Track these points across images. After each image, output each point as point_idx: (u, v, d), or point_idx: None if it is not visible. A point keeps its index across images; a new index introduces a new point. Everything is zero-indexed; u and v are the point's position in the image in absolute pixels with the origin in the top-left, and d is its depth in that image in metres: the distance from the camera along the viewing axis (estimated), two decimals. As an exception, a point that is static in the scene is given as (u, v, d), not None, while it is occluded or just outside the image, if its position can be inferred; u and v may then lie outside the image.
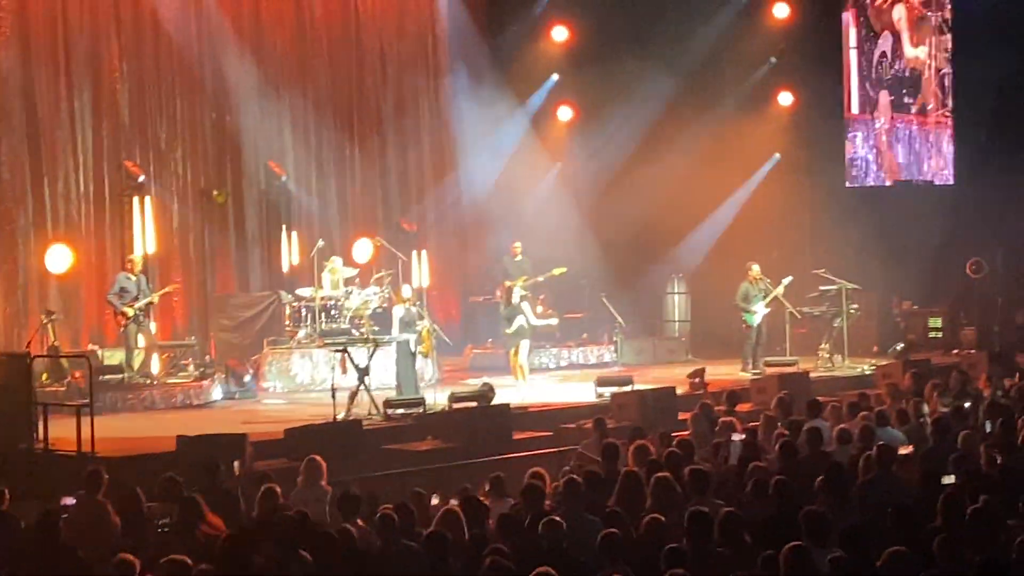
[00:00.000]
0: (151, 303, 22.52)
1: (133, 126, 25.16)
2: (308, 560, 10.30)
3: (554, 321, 24.75)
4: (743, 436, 15.17)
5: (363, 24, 28.59)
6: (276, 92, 26.95)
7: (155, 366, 22.65)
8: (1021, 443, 14.00)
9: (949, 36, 31.12)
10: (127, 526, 12.11)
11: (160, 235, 24.62)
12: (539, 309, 26.30)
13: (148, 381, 22.05)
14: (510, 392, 21.54)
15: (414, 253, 26.10)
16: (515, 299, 22.76)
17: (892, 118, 31.61)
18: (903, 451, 13.91)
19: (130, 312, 21.77)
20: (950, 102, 31.18)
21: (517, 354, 22.67)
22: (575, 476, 12.20)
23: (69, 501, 12.09)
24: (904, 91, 31.61)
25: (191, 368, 23.45)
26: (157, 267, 24.54)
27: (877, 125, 31.72)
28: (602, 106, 30.02)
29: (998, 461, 13.23)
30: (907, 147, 31.58)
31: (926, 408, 17.46)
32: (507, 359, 23.90)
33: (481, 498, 12.69)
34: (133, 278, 22.06)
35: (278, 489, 12.42)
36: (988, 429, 15.34)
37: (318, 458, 13.66)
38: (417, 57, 29.59)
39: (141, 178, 23.98)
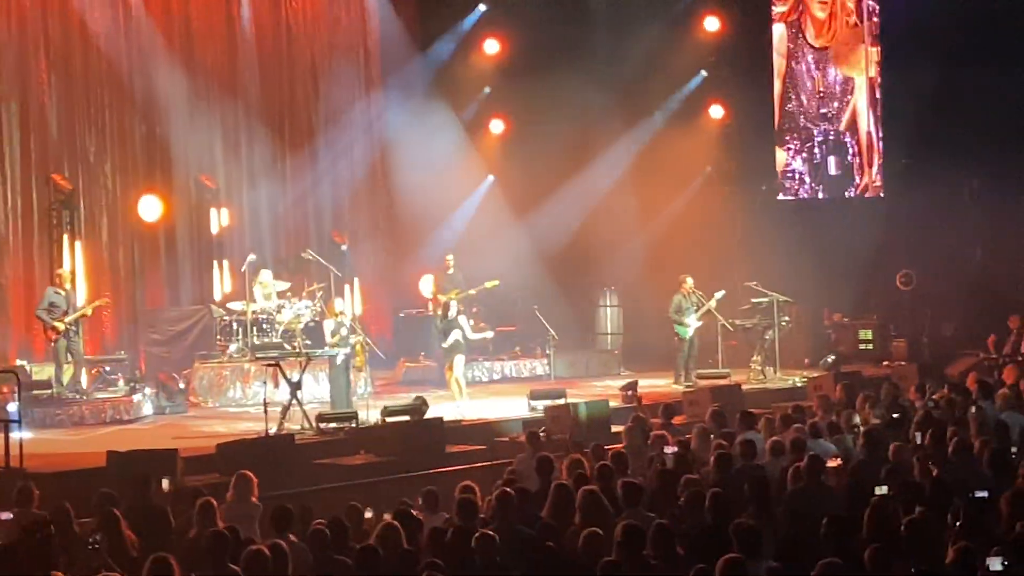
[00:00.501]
0: (84, 315, 22.32)
1: (62, 139, 24.94)
2: (238, 574, 10.21)
3: (489, 335, 24.70)
4: (675, 449, 15.17)
5: (294, 38, 28.49)
6: (207, 105, 26.79)
7: (84, 381, 22.45)
8: (952, 454, 14.08)
9: (877, 49, 31.33)
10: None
11: (89, 249, 24.43)
12: (471, 323, 26.28)
13: (78, 396, 21.84)
14: (450, 409, 21.42)
15: (346, 287, 26.05)
16: (452, 313, 22.69)
17: (824, 130, 31.75)
18: (832, 463, 13.95)
19: (60, 327, 21.55)
20: (879, 114, 31.37)
21: (452, 369, 22.58)
22: (508, 489, 12.16)
23: (6, 516, 11.93)
24: (835, 103, 31.77)
25: (121, 383, 23.22)
26: (87, 281, 24.31)
27: (809, 137, 31.82)
28: (534, 119, 30.06)
29: (932, 472, 13.31)
30: (839, 160, 31.73)
31: (857, 419, 17.55)
32: (441, 373, 23.86)
33: (415, 512, 12.64)
34: (62, 292, 21.85)
35: (215, 503, 12.31)
36: (919, 441, 15.43)
37: (249, 473, 13.54)
38: (349, 70, 29.50)
39: (70, 191, 23.79)
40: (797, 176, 32.00)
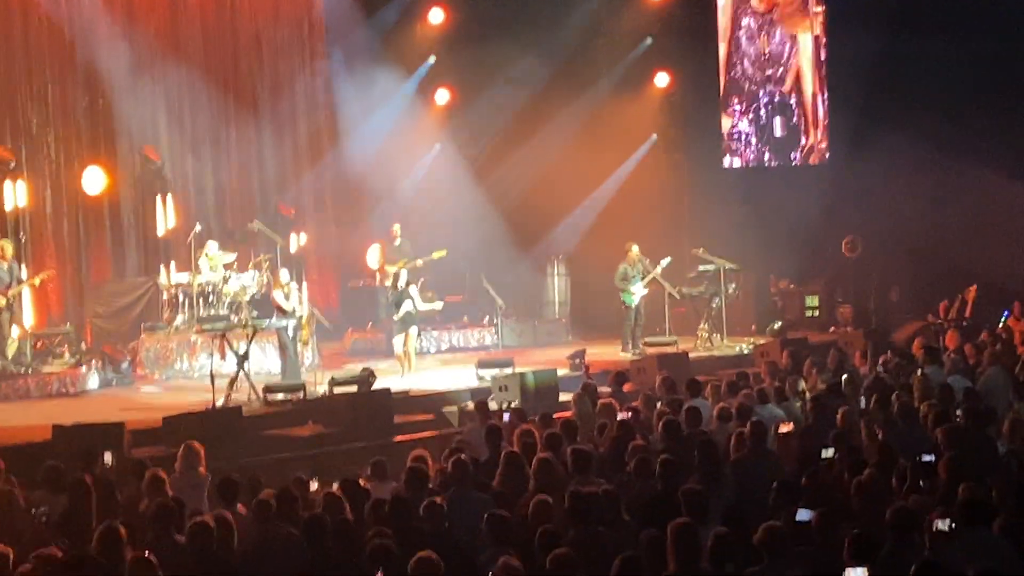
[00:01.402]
0: (33, 285, 22.20)
1: (4, 110, 24.71)
2: (183, 545, 10.19)
3: (438, 306, 24.62)
4: (628, 415, 15.23)
5: (238, 8, 28.31)
6: (150, 76, 26.59)
7: (29, 354, 22.30)
8: (896, 418, 14.19)
9: (822, 10, 31.37)
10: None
11: (33, 221, 24.27)
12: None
13: (22, 370, 21.70)
14: (394, 380, 21.40)
15: (292, 236, 25.98)
16: (401, 283, 22.64)
17: (769, 92, 31.81)
18: (784, 428, 14.05)
19: (2, 300, 21.39)
20: (824, 75, 31.46)
21: (406, 342, 22.51)
22: (462, 456, 12.16)
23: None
24: (780, 67, 31.82)
25: (66, 356, 23.08)
26: (30, 253, 24.15)
27: (755, 99, 31.87)
28: (479, 88, 29.97)
29: (878, 436, 13.42)
30: (784, 120, 31.80)
31: (803, 385, 17.67)
32: (389, 344, 23.83)
33: (363, 482, 12.64)
34: (5, 265, 21.68)
35: (163, 475, 12.28)
36: (863, 405, 15.56)
37: (196, 444, 13.51)
38: (293, 40, 29.35)
39: (12, 163, 23.62)
40: (743, 138, 32.01)
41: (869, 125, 29.11)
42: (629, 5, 30.83)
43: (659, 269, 25.44)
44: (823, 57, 31.42)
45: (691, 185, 31.15)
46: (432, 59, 30.41)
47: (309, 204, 29.38)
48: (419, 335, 23.66)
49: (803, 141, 31.79)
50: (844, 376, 17.84)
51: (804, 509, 9.62)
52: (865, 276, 29.83)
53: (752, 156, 32.06)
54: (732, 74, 31.84)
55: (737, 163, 32.07)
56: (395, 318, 22.73)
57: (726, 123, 31.83)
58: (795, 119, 31.72)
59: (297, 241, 26.22)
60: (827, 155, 31.52)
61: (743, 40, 31.79)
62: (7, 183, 23.55)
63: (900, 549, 9.17)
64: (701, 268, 26.57)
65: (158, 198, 25.89)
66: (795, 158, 31.81)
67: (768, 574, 9.13)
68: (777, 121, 31.86)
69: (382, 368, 21.91)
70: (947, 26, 28.32)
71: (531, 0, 29.74)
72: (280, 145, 29.15)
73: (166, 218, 25.77)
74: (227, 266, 24.36)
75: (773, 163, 31.88)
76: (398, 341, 22.75)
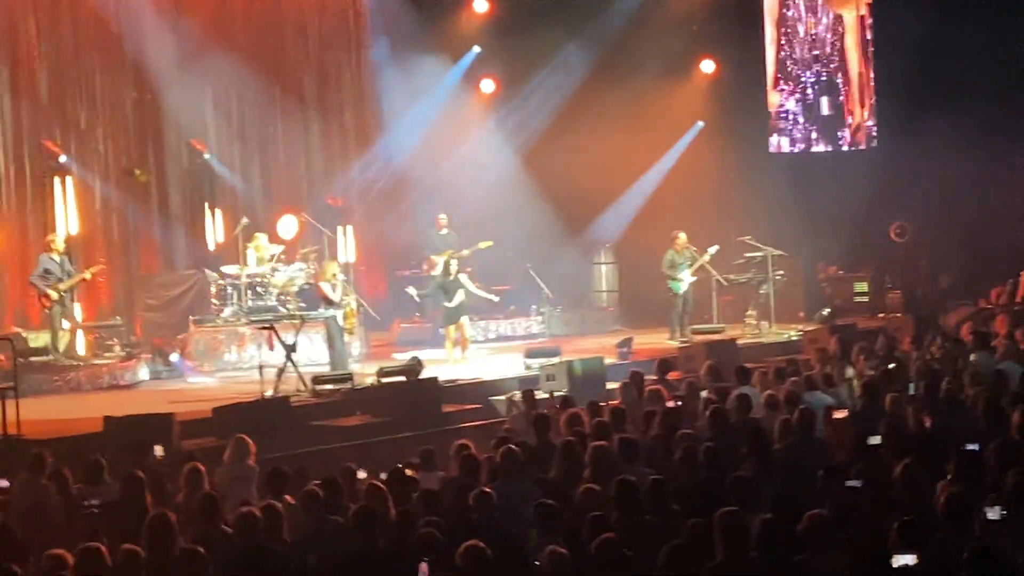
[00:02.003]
0: (83, 279, 22.37)
1: (53, 105, 24.85)
2: (231, 535, 10.25)
3: (495, 298, 24.60)
4: (675, 403, 15.23)
5: (284, -1, 28.46)
6: (197, 69, 26.64)
7: (81, 348, 22.46)
8: (944, 403, 14.11)
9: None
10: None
11: (83, 215, 24.40)
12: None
13: (74, 363, 21.86)
14: (446, 370, 21.38)
15: (340, 229, 26.02)
16: (453, 270, 22.56)
17: (816, 71, 31.72)
18: (838, 415, 14.01)
19: (54, 294, 21.54)
20: (870, 53, 31.34)
21: (459, 328, 22.39)
22: (513, 447, 12.16)
23: (3, 484, 11.96)
24: (826, 47, 31.70)
25: (117, 349, 23.25)
26: (80, 247, 24.30)
27: (802, 79, 31.78)
28: (524, 77, 29.95)
29: (926, 423, 13.36)
30: (831, 100, 31.71)
31: (851, 372, 17.61)
32: (436, 332, 23.86)
33: (411, 472, 12.68)
34: (57, 259, 21.82)
35: (203, 468, 12.35)
36: (913, 391, 15.49)
37: (246, 437, 13.59)
38: (339, 30, 29.40)
39: (62, 158, 23.78)
40: (791, 117, 31.93)
41: (917, 109, 28.93)
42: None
43: (707, 256, 25.39)
44: (868, 36, 31.28)
45: (737, 172, 31.01)
46: (477, 48, 30.40)
47: (356, 195, 29.43)
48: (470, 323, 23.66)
49: (849, 120, 31.67)
50: (893, 362, 17.77)
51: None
52: (914, 261, 29.71)
53: (799, 135, 31.95)
54: (779, 55, 31.75)
55: (785, 143, 31.96)
56: (448, 305, 22.59)
57: (773, 99, 31.73)
58: (841, 98, 31.61)
59: (344, 233, 26.28)
60: (874, 133, 31.43)
61: (790, 21, 31.67)
62: (56, 179, 23.67)
63: (951, 536, 9.12)
64: (748, 255, 26.49)
65: (207, 207, 26.01)
66: (842, 137, 31.72)
67: (815, 562, 9.11)
68: (824, 101, 31.74)
69: (430, 358, 21.92)
70: (995, 6, 28.14)
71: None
72: (327, 136, 29.21)
73: (215, 232, 25.89)
74: (275, 258, 24.43)
75: (820, 143, 31.76)
76: (449, 330, 22.71)
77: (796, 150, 32.01)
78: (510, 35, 29.44)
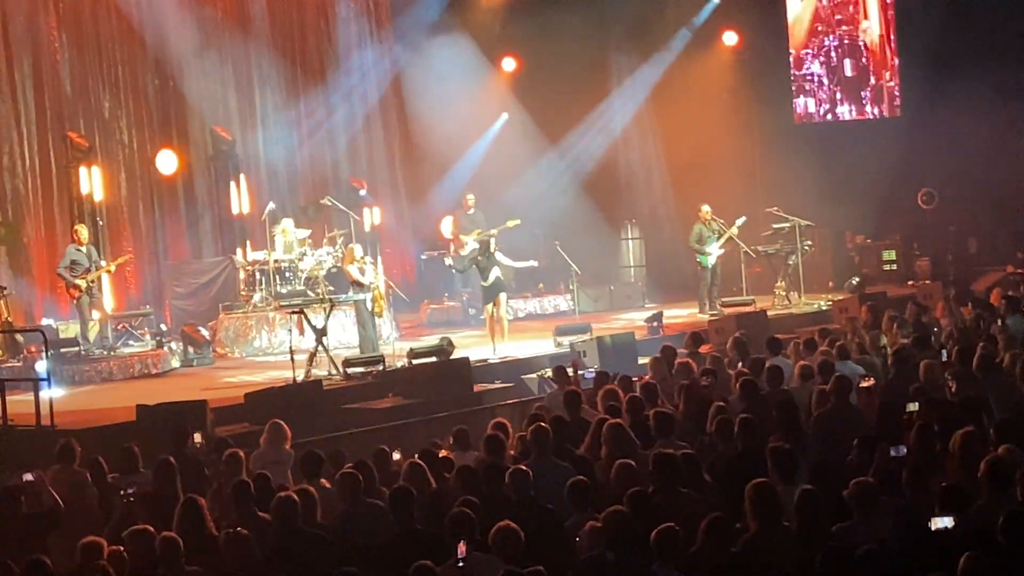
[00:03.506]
0: (108, 271, 22.44)
1: (76, 96, 24.91)
2: (268, 521, 10.27)
3: (535, 263, 24.40)
4: (705, 378, 15.21)
5: (303, -20, 28.46)
6: (218, 55, 26.74)
7: (111, 337, 22.52)
8: (977, 370, 14.03)
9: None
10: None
11: (109, 205, 24.45)
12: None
13: (105, 352, 21.92)
14: (485, 351, 21.34)
15: (365, 211, 26.03)
16: (491, 248, 22.31)
17: (839, 35, 31.68)
18: (865, 384, 13.93)
19: (82, 284, 21.58)
20: (892, 19, 31.28)
21: (497, 306, 22.05)
22: (543, 424, 12.14)
23: (29, 477, 11.97)
24: (849, 8, 31.66)
25: (147, 337, 23.31)
26: (108, 237, 24.36)
27: (826, 42, 31.76)
28: (546, 54, 29.81)
29: (954, 389, 13.28)
30: (855, 62, 31.66)
31: (884, 340, 17.54)
32: (466, 312, 23.91)
33: (445, 452, 12.68)
34: (83, 249, 21.86)
35: (242, 453, 12.38)
36: (945, 358, 15.40)
37: (281, 422, 13.61)
38: (359, 11, 29.44)
39: (87, 149, 23.80)
40: (816, 79, 31.88)
41: (942, 76, 28.85)
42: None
43: (735, 229, 25.32)
44: (892, 10, 31.18)
45: (763, 143, 30.94)
46: (498, 27, 30.34)
47: (381, 177, 29.44)
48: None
49: (872, 81, 31.61)
50: (924, 330, 17.69)
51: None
52: (942, 228, 29.57)
53: (824, 96, 31.86)
54: (801, 28, 31.71)
55: (811, 104, 31.87)
56: (483, 284, 22.31)
57: (799, 65, 31.67)
58: (864, 59, 31.55)
59: (370, 215, 26.29)
60: (896, 93, 31.30)
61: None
62: (82, 169, 23.72)
63: (993, 501, 9.07)
64: (776, 226, 26.40)
65: (231, 181, 26.02)
66: (865, 97, 31.59)
67: (859, 528, 9.07)
68: (847, 63, 31.70)
69: (460, 338, 21.90)
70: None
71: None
72: (350, 118, 29.22)
73: (240, 200, 25.89)
74: (302, 242, 24.43)
75: (844, 103, 31.66)
76: (487, 309, 22.55)
77: (821, 111, 31.92)
78: (531, 12, 29.37)
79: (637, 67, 30.13)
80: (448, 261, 25.09)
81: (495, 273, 21.83)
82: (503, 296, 21.93)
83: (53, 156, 24.39)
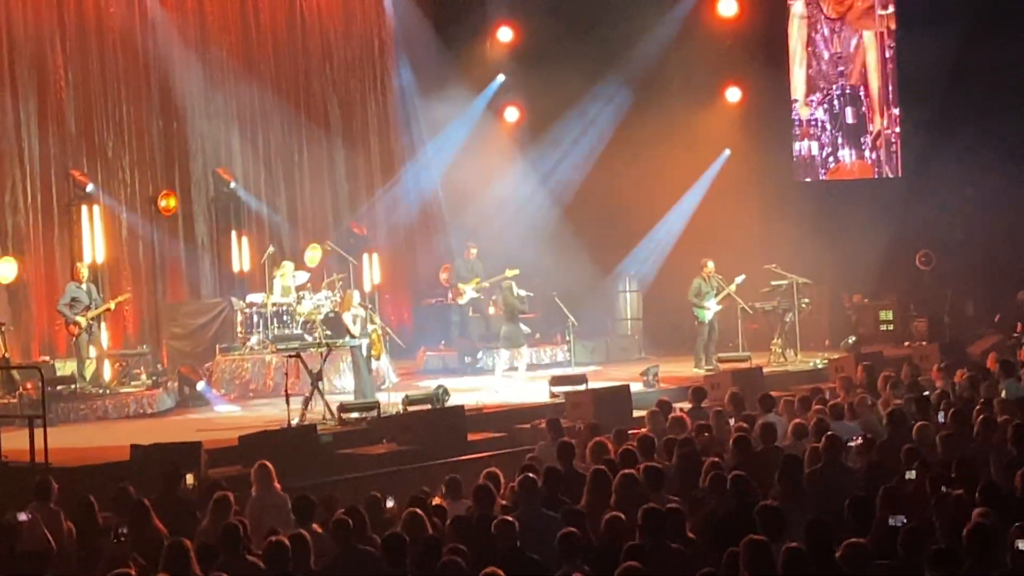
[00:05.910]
0: (108, 310, 22.47)
1: (80, 134, 24.96)
2: (259, 566, 10.25)
3: (530, 293, 24.64)
4: (695, 433, 15.21)
5: (308, 28, 28.55)
6: (223, 98, 26.85)
7: (107, 376, 22.53)
8: (976, 434, 14.06)
9: (888, 12, 31.32)
10: (81, 535, 12.07)
11: (109, 244, 24.51)
12: (491, 311, 26.45)
13: (100, 391, 21.91)
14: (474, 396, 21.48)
15: (365, 256, 26.08)
16: (521, 293, 22.72)
17: (841, 85, 31.92)
18: (857, 444, 13.94)
19: (82, 322, 21.62)
20: (890, 73, 31.50)
21: (516, 359, 22.64)
22: (531, 475, 12.15)
23: (23, 517, 11.95)
24: (850, 63, 31.90)
25: (143, 377, 23.30)
26: (107, 276, 24.40)
27: (828, 91, 32.02)
28: (549, 106, 29.97)
29: (955, 451, 13.28)
30: (855, 110, 31.90)
31: (878, 400, 17.56)
32: (461, 361, 23.95)
33: (437, 500, 12.68)
34: (84, 287, 21.91)
35: (231, 496, 12.35)
36: (941, 420, 15.42)
37: (266, 462, 13.58)
38: (363, 59, 29.60)
39: (89, 187, 23.89)
40: (819, 124, 32.10)
41: (941, 137, 28.95)
42: (700, 22, 30.65)
43: (734, 286, 25.38)
44: (888, 55, 31.38)
45: (763, 200, 30.96)
46: (501, 77, 30.48)
47: (381, 223, 29.50)
48: (486, 351, 23.71)
49: (871, 127, 31.84)
50: (920, 391, 17.71)
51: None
52: (940, 290, 29.63)
53: (827, 140, 32.02)
54: (809, 72, 31.92)
55: (815, 148, 32.07)
56: (502, 336, 22.85)
57: (804, 113, 31.98)
58: (863, 108, 31.80)
59: (370, 261, 26.34)
60: (893, 140, 31.45)
61: (817, 42, 31.90)
62: (83, 207, 23.77)
63: (980, 566, 9.08)
64: (774, 283, 26.44)
65: (233, 234, 26.10)
66: (865, 143, 31.72)
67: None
68: (848, 111, 31.93)
69: (454, 386, 21.94)
70: (1019, 30, 28.11)
71: (600, 18, 29.69)
72: (352, 163, 29.32)
73: (240, 256, 25.98)
74: (300, 287, 24.47)
75: (845, 147, 31.82)
76: (504, 356, 22.76)
77: (823, 154, 32.11)
78: (535, 64, 29.46)
79: (639, 120, 30.18)
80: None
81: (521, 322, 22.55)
82: (524, 349, 22.93)
83: (55, 193, 24.42)
